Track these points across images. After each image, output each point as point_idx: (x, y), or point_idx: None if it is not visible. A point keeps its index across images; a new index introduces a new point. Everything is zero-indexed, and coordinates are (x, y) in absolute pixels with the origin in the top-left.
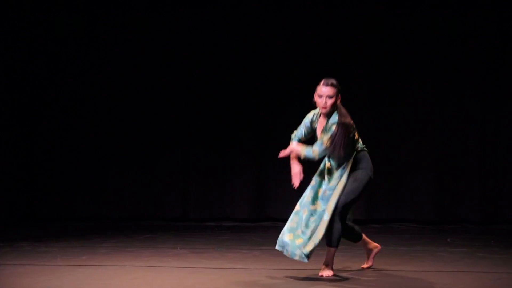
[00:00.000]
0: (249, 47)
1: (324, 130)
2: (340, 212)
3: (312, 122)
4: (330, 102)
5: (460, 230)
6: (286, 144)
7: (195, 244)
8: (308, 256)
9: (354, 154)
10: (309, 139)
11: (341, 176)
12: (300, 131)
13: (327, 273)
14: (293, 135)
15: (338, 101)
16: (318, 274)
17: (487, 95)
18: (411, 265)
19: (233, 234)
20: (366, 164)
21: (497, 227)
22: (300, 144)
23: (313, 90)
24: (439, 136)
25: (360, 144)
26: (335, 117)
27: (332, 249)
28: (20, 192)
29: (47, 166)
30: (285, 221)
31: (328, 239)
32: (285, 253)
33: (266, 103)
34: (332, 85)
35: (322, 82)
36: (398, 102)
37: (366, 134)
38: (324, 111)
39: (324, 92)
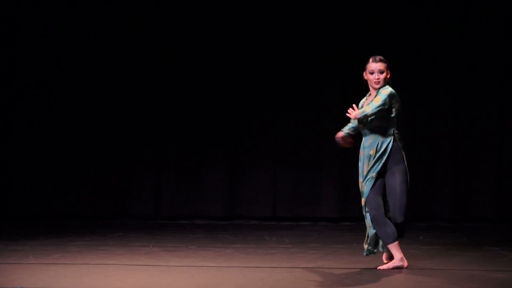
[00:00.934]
0: (220, 45)
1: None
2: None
3: (362, 105)
4: (382, 76)
5: (432, 227)
6: (258, 142)
7: (168, 242)
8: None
9: (391, 140)
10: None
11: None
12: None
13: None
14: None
15: (388, 76)
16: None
17: (459, 93)
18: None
19: (206, 232)
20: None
21: (469, 224)
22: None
23: (287, 89)
24: (410, 134)
25: (396, 133)
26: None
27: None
28: None
29: (18, 163)
30: (257, 218)
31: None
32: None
33: (238, 101)
34: (381, 60)
35: (371, 60)
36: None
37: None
38: (377, 86)
39: (375, 68)
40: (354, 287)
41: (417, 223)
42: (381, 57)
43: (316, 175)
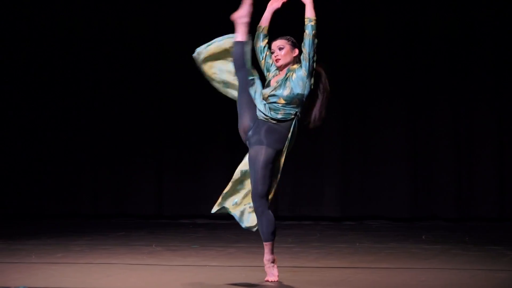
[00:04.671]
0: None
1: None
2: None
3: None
4: (282, 52)
5: (435, 227)
6: None
7: (170, 241)
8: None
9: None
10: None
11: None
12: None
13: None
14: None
15: (295, 54)
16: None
17: (459, 92)
18: (386, 263)
19: (208, 232)
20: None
21: (471, 224)
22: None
23: None
24: (412, 133)
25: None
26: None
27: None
28: None
29: (19, 163)
30: None
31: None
32: None
33: None
34: (281, 38)
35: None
36: (372, 100)
37: (340, 132)
38: (278, 63)
39: (274, 46)
40: (357, 287)
41: (419, 223)
42: (283, 36)
43: (318, 174)
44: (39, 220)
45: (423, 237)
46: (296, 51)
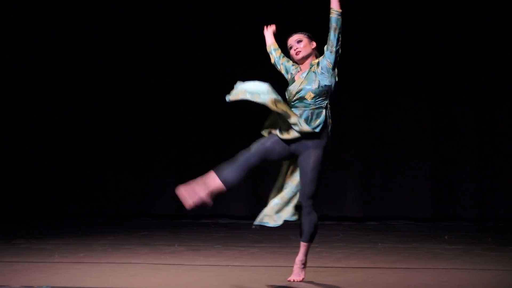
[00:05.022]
0: (242, 38)
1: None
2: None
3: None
4: (301, 45)
5: (457, 227)
6: None
7: (192, 241)
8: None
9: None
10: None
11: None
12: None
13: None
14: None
15: (314, 46)
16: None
17: (482, 93)
18: (408, 263)
19: (230, 232)
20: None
21: (493, 224)
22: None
23: None
24: (435, 134)
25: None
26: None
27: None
28: (16, 189)
29: (43, 163)
30: None
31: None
32: None
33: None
34: (298, 33)
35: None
36: (394, 100)
37: (362, 133)
38: (298, 56)
39: (291, 41)
40: (379, 287)
41: (442, 223)
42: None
43: (340, 174)
44: (62, 220)
45: (446, 237)
46: (314, 44)
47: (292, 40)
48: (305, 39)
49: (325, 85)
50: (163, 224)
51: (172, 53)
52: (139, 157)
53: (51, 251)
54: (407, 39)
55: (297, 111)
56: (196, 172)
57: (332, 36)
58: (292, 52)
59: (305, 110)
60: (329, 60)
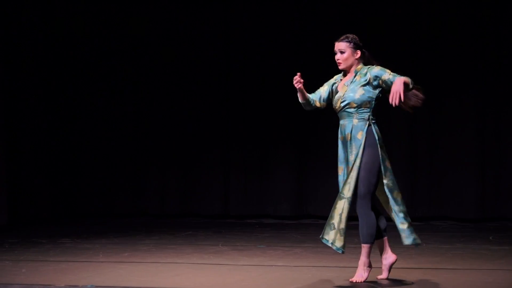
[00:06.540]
0: (289, 48)
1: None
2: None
3: (337, 86)
4: (343, 57)
5: (502, 228)
6: (326, 141)
7: (236, 241)
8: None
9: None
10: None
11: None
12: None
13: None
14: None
15: (357, 56)
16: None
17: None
18: (452, 263)
19: (274, 232)
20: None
21: None
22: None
23: None
24: (480, 134)
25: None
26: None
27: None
28: (62, 189)
29: (88, 163)
30: (325, 218)
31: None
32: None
33: None
34: (341, 40)
35: None
36: (439, 100)
37: (407, 133)
38: (340, 67)
39: (336, 48)
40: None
41: (487, 224)
42: (346, 36)
43: None
44: (107, 219)
45: (491, 238)
46: (359, 53)
47: (337, 48)
48: (348, 50)
49: (368, 96)
50: (207, 223)
51: (214, 54)
52: (183, 157)
53: (95, 251)
54: (456, 38)
55: (342, 122)
56: (240, 171)
57: (382, 75)
58: (335, 58)
59: (348, 119)
60: (370, 80)
